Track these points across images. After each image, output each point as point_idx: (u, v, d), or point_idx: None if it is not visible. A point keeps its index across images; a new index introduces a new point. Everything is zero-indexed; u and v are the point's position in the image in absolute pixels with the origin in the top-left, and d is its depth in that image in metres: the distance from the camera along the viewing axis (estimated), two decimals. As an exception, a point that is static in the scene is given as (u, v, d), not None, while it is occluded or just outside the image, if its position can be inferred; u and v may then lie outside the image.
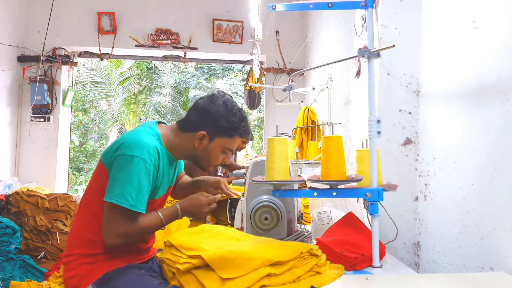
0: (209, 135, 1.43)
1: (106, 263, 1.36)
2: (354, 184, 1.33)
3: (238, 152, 4.45)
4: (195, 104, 1.48)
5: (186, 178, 1.77)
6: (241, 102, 11.03)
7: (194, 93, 11.09)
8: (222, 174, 3.46)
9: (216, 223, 2.48)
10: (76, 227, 1.42)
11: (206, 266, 1.09)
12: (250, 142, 11.10)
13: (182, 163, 1.71)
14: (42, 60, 4.80)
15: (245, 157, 7.10)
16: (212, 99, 1.46)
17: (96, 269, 1.35)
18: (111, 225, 1.31)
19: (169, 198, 1.84)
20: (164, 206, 1.58)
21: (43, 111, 4.87)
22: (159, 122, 1.52)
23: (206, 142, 1.44)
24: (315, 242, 1.38)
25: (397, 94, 1.79)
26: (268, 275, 1.06)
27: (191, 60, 5.36)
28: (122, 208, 1.28)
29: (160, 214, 1.39)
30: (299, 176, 1.97)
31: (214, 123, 1.43)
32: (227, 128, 1.43)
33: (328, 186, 1.29)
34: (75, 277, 1.35)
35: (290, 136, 2.89)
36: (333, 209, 1.60)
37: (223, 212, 2.25)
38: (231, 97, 1.52)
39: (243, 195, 1.67)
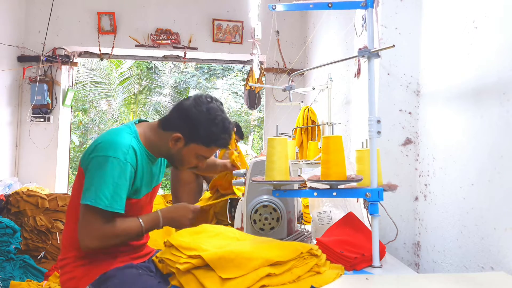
0: (184, 139, 1.40)
1: (103, 263, 1.36)
2: (354, 184, 1.33)
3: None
4: (180, 103, 1.44)
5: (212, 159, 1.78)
6: (241, 102, 11.04)
7: (194, 93, 11.08)
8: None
9: (216, 223, 2.47)
10: (68, 231, 1.41)
11: (206, 266, 1.09)
12: (250, 142, 11.09)
13: None
14: (42, 60, 4.80)
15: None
16: (196, 103, 1.39)
17: (93, 270, 1.34)
18: (87, 227, 1.28)
19: (169, 198, 1.84)
20: (162, 206, 1.58)
21: (43, 111, 4.87)
22: (140, 121, 1.49)
23: (181, 145, 1.41)
24: (315, 242, 1.38)
25: (397, 94, 1.79)
26: (268, 275, 1.06)
27: (191, 60, 5.36)
28: (97, 209, 1.26)
29: (140, 220, 1.36)
30: (299, 176, 1.97)
31: (192, 129, 1.38)
32: (205, 137, 1.39)
33: (328, 186, 1.29)
34: (72, 280, 1.35)
35: (290, 136, 2.90)
36: (333, 209, 1.60)
37: (223, 212, 2.25)
38: (221, 103, 1.45)
39: (243, 195, 1.67)
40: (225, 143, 1.44)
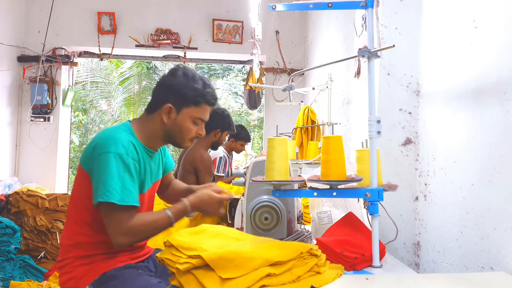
0: (175, 107, 1.43)
1: (102, 263, 1.36)
2: (354, 184, 1.33)
3: (236, 154, 4.41)
4: (157, 82, 1.49)
5: (178, 183, 1.74)
6: (241, 102, 11.04)
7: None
8: (223, 174, 3.43)
9: (217, 223, 2.47)
10: (67, 232, 1.41)
11: (206, 266, 1.08)
12: (249, 142, 11.09)
13: (171, 162, 1.69)
14: (42, 60, 4.80)
15: (245, 157, 7.09)
16: (172, 73, 1.46)
17: (93, 270, 1.35)
18: (111, 225, 1.29)
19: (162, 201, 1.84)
20: (162, 206, 1.58)
21: (43, 111, 4.87)
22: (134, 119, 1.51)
23: (174, 115, 1.43)
24: (315, 242, 1.38)
25: (397, 94, 1.79)
26: (268, 275, 1.06)
27: (191, 60, 5.36)
28: (114, 205, 1.26)
29: (167, 211, 1.38)
30: (299, 176, 1.97)
31: (178, 94, 1.42)
32: (192, 96, 1.43)
33: (328, 186, 1.29)
34: (72, 280, 1.35)
35: (290, 136, 2.89)
36: (333, 209, 1.60)
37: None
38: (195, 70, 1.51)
39: (243, 195, 1.67)
40: (212, 97, 1.47)
